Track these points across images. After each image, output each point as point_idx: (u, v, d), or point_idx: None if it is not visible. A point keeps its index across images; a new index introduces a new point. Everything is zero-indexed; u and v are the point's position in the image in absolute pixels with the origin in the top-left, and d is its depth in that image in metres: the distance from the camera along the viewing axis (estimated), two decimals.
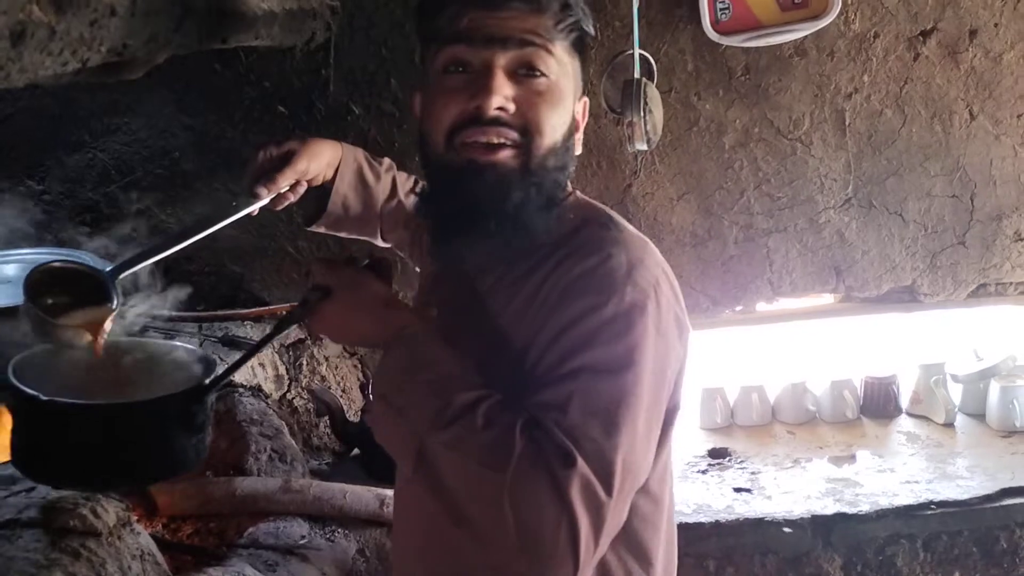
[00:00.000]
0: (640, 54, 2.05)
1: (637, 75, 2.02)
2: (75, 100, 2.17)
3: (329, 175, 1.43)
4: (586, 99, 1.18)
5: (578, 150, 1.16)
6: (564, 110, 1.10)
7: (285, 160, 1.35)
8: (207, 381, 1.13)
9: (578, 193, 1.19)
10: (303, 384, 2.25)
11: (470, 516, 0.96)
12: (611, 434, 0.95)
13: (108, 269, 1.16)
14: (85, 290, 1.15)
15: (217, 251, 2.26)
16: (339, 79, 2.15)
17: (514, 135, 1.06)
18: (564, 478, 0.91)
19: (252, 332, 2.20)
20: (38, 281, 1.12)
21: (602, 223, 1.12)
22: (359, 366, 2.39)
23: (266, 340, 1.19)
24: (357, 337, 1.15)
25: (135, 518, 1.49)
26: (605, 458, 0.94)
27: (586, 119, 1.19)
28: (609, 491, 0.94)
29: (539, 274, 1.09)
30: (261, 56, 2.11)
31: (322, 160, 1.41)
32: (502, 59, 1.05)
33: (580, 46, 1.13)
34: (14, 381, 1.07)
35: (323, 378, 2.29)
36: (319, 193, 1.45)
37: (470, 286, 1.17)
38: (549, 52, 1.07)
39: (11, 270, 1.95)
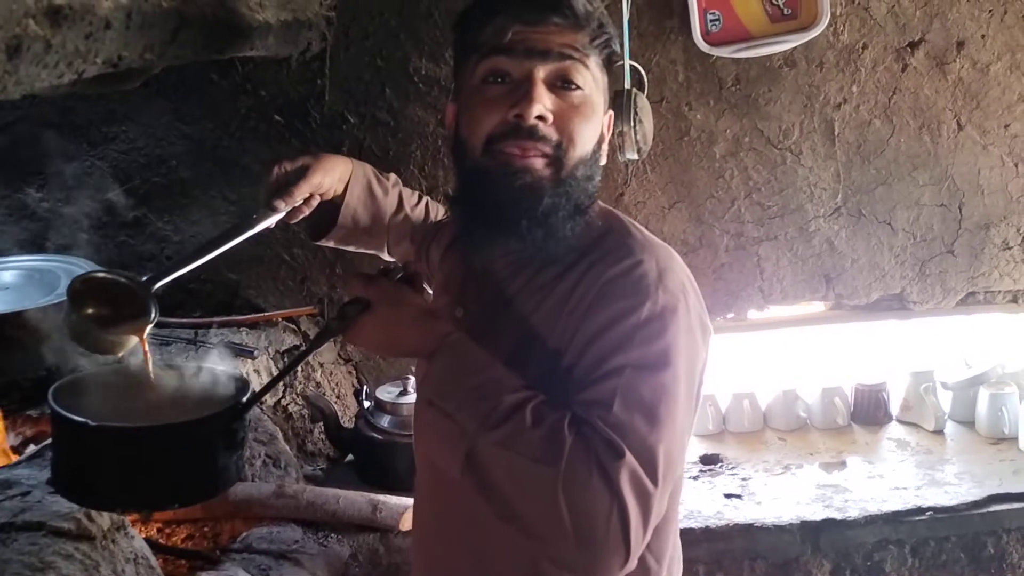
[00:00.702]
0: (631, 65, 2.07)
1: (628, 86, 2.04)
2: (73, 109, 2.19)
3: (339, 189, 1.46)
4: (611, 112, 1.23)
5: (603, 160, 1.21)
6: (595, 123, 1.15)
7: (300, 174, 1.38)
8: (245, 399, 1.16)
9: (599, 201, 1.23)
10: (298, 390, 2.27)
11: (523, 512, 0.99)
12: (653, 428, 1.00)
13: (143, 279, 1.18)
14: (119, 300, 1.17)
15: (214, 259, 2.28)
16: (334, 89, 2.18)
17: (548, 149, 1.11)
18: (614, 469, 0.95)
19: (248, 339, 2.22)
20: (79, 291, 1.14)
21: (626, 230, 1.17)
22: (353, 372, 2.41)
23: (305, 354, 1.22)
24: (400, 348, 1.16)
25: (129, 522, 1.51)
26: (649, 451, 0.99)
27: (611, 131, 1.23)
28: (655, 481, 0.98)
29: (569, 278, 1.13)
30: (257, 66, 2.14)
31: (335, 174, 1.44)
32: (542, 71, 1.10)
33: (609, 63, 1.18)
34: (57, 408, 1.10)
35: (318, 384, 2.31)
36: (328, 207, 1.47)
37: (499, 290, 1.20)
38: (585, 66, 1.12)
39: (9, 277, 1.98)
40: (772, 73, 2.23)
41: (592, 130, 1.14)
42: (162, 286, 1.20)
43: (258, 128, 2.20)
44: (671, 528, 1.23)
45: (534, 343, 1.13)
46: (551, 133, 1.10)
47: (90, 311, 1.15)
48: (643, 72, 2.13)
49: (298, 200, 1.37)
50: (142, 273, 1.22)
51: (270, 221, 1.34)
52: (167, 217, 2.27)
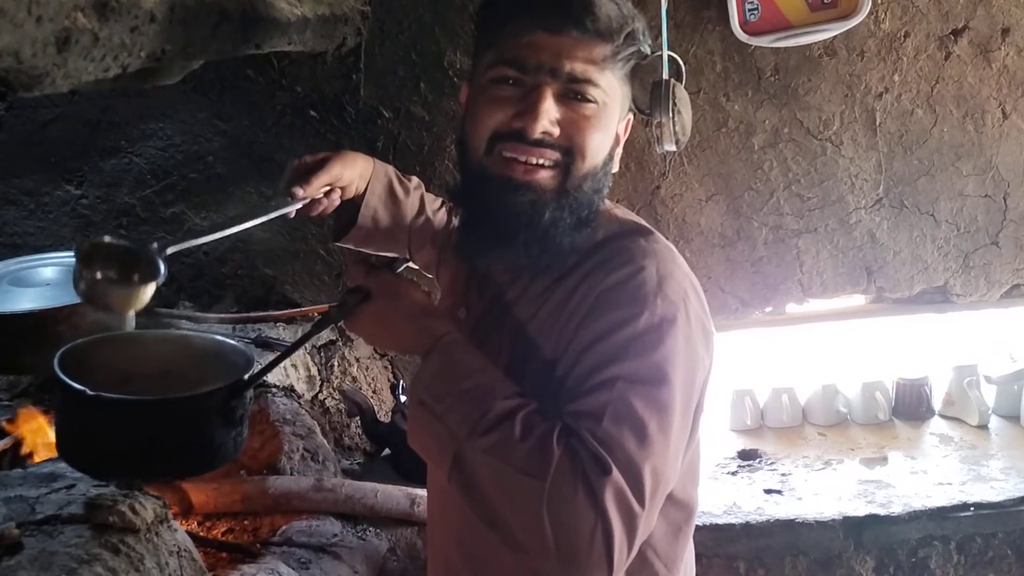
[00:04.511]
0: (669, 55, 2.05)
1: (666, 76, 2.02)
2: (112, 106, 2.21)
3: (361, 187, 1.44)
4: (630, 116, 1.19)
5: (615, 168, 1.17)
6: (608, 133, 1.11)
7: (320, 166, 1.36)
8: (246, 376, 1.15)
9: (607, 202, 1.20)
10: (334, 385, 2.28)
11: (506, 521, 0.97)
12: (643, 444, 0.97)
13: (154, 246, 1.16)
14: (126, 266, 1.15)
15: (250, 254, 2.29)
16: (369, 83, 2.18)
17: (556, 155, 1.08)
18: (599, 486, 0.93)
19: (284, 334, 2.23)
20: (88, 253, 1.13)
21: (630, 233, 1.13)
22: (389, 367, 2.41)
23: (304, 339, 1.21)
24: (395, 342, 1.15)
25: (172, 515, 1.52)
26: (636, 468, 0.96)
27: (627, 135, 1.19)
28: (641, 499, 0.95)
29: (568, 284, 1.10)
30: (293, 62, 2.14)
31: (355, 169, 1.42)
32: (552, 85, 1.06)
33: (634, 73, 1.14)
34: (60, 375, 1.10)
35: (354, 379, 2.32)
36: (350, 207, 1.45)
37: (500, 293, 1.18)
38: (599, 83, 1.07)
39: (49, 273, 1.99)
40: (812, 62, 2.20)
41: (604, 141, 1.10)
42: (169, 253, 1.18)
43: (294, 124, 2.21)
44: (684, 537, 1.21)
45: (531, 349, 1.11)
46: (558, 143, 1.07)
47: (99, 274, 1.13)
48: (681, 63, 2.11)
49: (316, 190, 1.35)
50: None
51: (287, 209, 1.32)
52: (204, 213, 2.28)
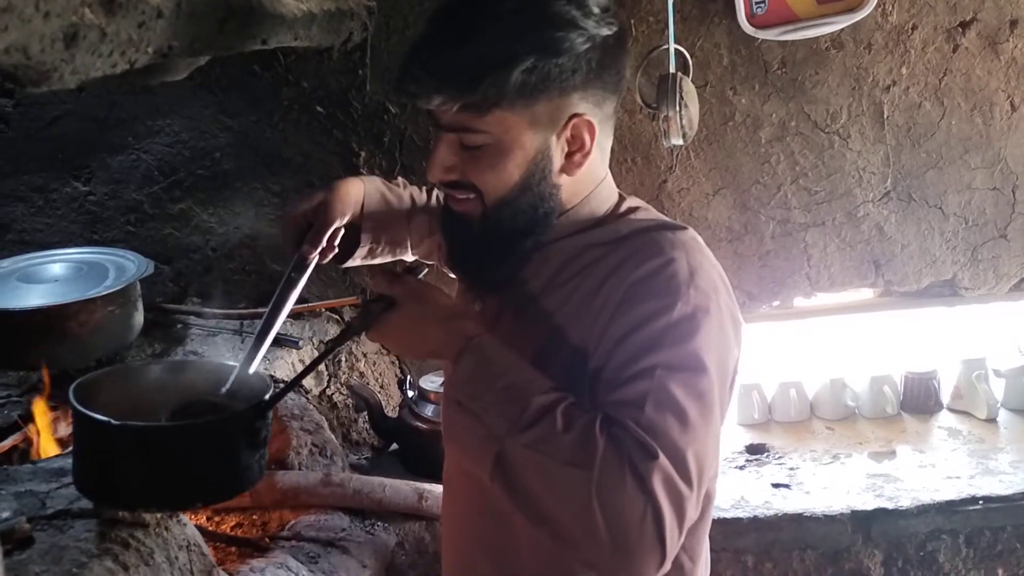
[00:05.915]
0: (675, 49, 2.05)
1: (672, 70, 2.02)
2: (119, 103, 2.22)
3: (357, 211, 1.43)
4: (576, 120, 1.08)
5: (573, 174, 1.12)
6: (506, 166, 1.08)
7: (320, 214, 1.36)
8: (268, 397, 1.16)
9: (634, 198, 1.21)
10: (342, 380, 2.28)
11: (555, 515, 0.98)
12: (686, 430, 0.98)
13: (222, 391, 1.25)
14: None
15: (257, 250, 2.30)
16: (376, 79, 2.18)
17: (467, 193, 1.12)
18: (647, 471, 0.94)
19: (292, 329, 2.23)
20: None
21: (657, 227, 1.14)
22: (396, 363, 2.42)
23: (328, 352, 1.21)
24: (425, 348, 1.14)
25: None
26: (682, 452, 0.97)
27: (594, 138, 1.10)
28: (689, 483, 0.96)
29: (595, 277, 1.11)
30: (299, 57, 2.14)
31: (349, 200, 1.41)
32: (447, 135, 1.09)
33: (543, 85, 1.03)
34: (79, 407, 1.10)
35: (361, 374, 2.32)
36: (348, 231, 1.45)
37: (521, 289, 1.18)
38: (479, 131, 1.06)
39: (58, 269, 2.00)
40: (819, 55, 2.19)
41: (500, 175, 1.08)
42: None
43: (300, 120, 2.21)
44: (705, 528, 1.22)
45: (558, 341, 1.11)
46: (465, 181, 1.10)
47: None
48: (687, 56, 2.11)
49: (324, 242, 1.36)
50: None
51: (307, 273, 1.34)
52: (211, 209, 2.29)
